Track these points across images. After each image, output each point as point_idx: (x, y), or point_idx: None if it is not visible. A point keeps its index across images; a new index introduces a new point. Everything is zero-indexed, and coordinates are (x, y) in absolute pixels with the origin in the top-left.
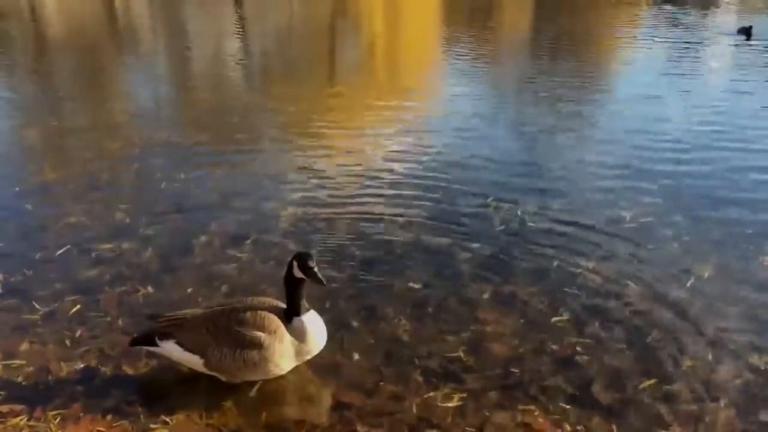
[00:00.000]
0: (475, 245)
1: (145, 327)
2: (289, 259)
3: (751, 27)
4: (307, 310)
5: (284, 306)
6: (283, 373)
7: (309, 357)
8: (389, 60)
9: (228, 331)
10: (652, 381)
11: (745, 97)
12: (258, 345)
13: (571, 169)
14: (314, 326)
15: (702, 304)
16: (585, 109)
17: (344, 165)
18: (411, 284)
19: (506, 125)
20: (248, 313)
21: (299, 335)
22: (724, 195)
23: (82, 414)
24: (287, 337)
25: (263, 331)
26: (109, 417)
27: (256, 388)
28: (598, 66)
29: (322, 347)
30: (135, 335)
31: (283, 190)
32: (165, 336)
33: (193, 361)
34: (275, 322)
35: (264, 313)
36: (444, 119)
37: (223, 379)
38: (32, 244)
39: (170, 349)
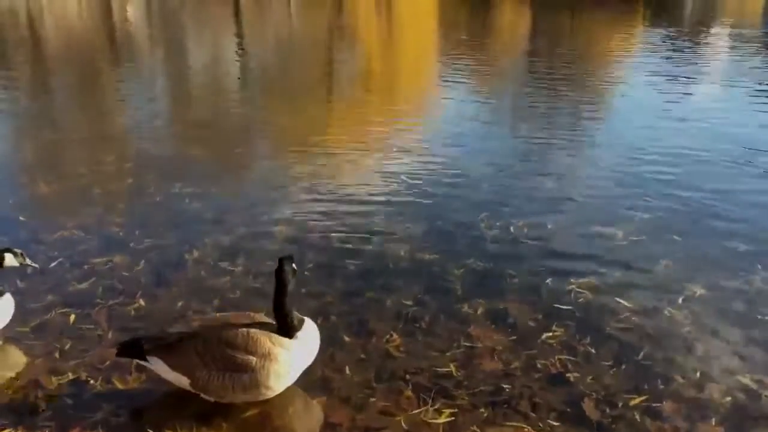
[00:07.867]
0: (468, 261)
1: (133, 336)
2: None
3: None
4: (302, 322)
5: (274, 322)
6: (276, 394)
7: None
8: (385, 74)
9: (218, 354)
10: (642, 398)
11: (739, 118)
12: (249, 369)
13: (563, 187)
14: (310, 341)
15: (692, 321)
16: (580, 128)
17: (338, 181)
18: (403, 300)
19: (500, 142)
20: (239, 335)
21: (296, 353)
22: (716, 214)
23: (70, 427)
24: (281, 359)
25: (254, 355)
26: (97, 431)
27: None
28: (593, 87)
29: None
30: (121, 344)
31: (277, 205)
32: (153, 352)
33: (181, 381)
34: (267, 343)
35: (256, 334)
36: (438, 134)
37: (211, 399)
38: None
39: (158, 366)
